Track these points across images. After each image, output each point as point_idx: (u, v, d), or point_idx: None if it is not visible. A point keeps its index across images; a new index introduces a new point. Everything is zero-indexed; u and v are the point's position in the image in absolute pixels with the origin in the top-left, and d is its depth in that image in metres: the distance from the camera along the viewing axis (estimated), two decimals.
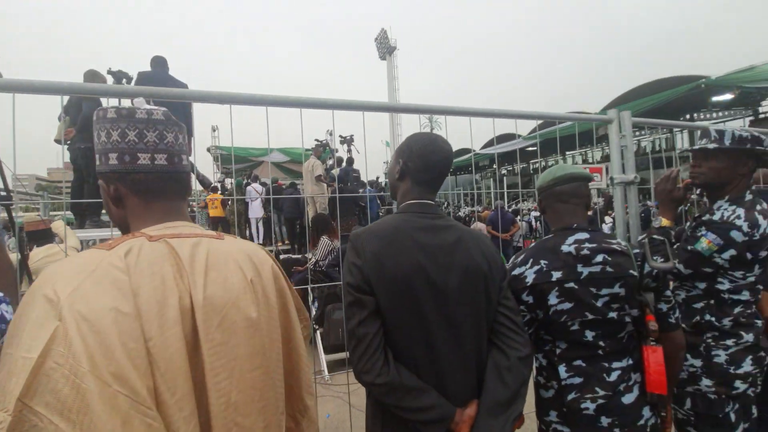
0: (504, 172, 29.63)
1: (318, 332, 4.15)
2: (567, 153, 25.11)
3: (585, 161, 24.99)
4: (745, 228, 1.35)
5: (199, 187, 8.08)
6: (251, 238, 8.62)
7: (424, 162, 1.13)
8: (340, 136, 8.32)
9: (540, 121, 1.97)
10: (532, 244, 1.35)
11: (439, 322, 1.02)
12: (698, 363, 1.45)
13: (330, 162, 8.20)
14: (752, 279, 1.42)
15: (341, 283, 1.08)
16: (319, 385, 3.36)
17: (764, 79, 11.75)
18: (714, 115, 20.66)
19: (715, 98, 17.56)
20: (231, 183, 9.40)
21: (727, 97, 17.05)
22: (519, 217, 9.55)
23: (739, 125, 18.46)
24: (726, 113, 20.25)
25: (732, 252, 1.36)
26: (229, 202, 8.13)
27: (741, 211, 1.39)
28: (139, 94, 1.20)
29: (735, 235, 1.36)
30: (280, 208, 8.28)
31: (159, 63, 4.38)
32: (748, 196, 1.45)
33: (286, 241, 8.46)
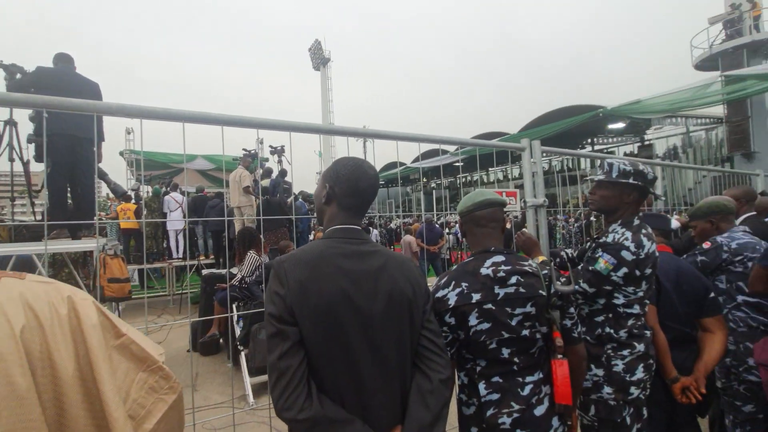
0: (433, 185, 30.88)
1: (243, 353, 3.92)
2: (490, 169, 26.97)
3: (506, 177, 27.04)
4: (633, 248, 1.55)
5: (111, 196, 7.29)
6: (169, 252, 7.94)
7: (352, 187, 1.13)
8: (270, 147, 8.05)
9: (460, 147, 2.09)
10: (455, 267, 1.41)
11: (364, 349, 1.01)
12: (601, 372, 1.62)
13: (259, 172, 7.89)
14: (641, 294, 1.62)
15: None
16: (243, 413, 3.17)
17: (648, 112, 13.74)
18: (610, 140, 23.67)
19: (610, 126, 20.19)
20: (148, 191, 8.60)
21: (620, 125, 19.70)
22: (447, 230, 9.98)
23: (629, 149, 21.20)
24: (619, 139, 23.32)
25: (625, 270, 1.55)
26: (144, 213, 7.42)
27: (629, 234, 1.59)
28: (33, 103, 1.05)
29: (625, 254, 1.55)
30: (205, 219, 7.76)
31: (63, 59, 3.90)
32: (636, 221, 1.66)
33: (211, 255, 7.93)
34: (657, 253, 1.63)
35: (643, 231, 1.62)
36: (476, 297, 1.27)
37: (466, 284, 1.29)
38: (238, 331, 4.13)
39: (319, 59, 42.87)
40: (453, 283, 1.31)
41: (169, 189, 8.10)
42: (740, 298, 1.97)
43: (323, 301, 0.98)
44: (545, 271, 1.35)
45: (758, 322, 1.93)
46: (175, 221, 7.59)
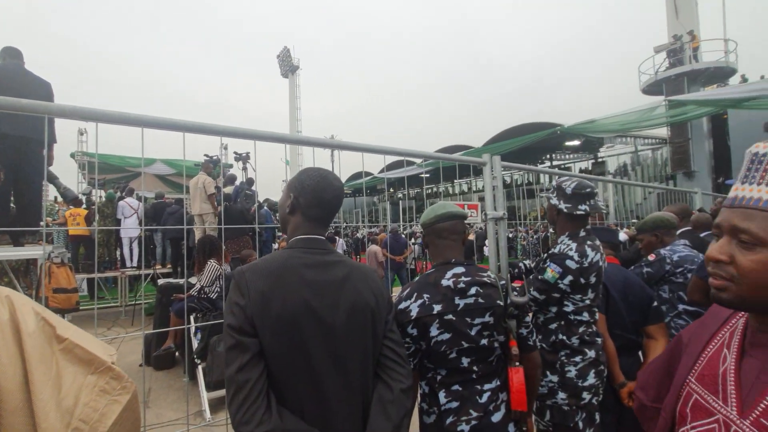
0: (400, 195, 31.20)
1: (200, 367, 3.76)
2: (455, 181, 27.63)
3: (470, 189, 27.78)
4: (576, 257, 1.65)
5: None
6: (123, 260, 7.52)
7: (317, 198, 1.14)
8: (235, 153, 7.86)
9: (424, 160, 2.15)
10: (417, 278, 1.44)
11: (326, 359, 1.00)
12: (555, 379, 1.70)
13: (221, 179, 7.68)
14: (588, 302, 1.72)
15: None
16: (199, 429, 3.03)
17: (601, 131, 14.65)
18: (567, 156, 24.97)
19: (567, 143, 21.32)
20: (101, 196, 8.14)
21: (576, 142, 20.85)
22: (412, 241, 10.09)
23: (584, 165, 22.34)
24: (575, 155, 24.64)
25: (570, 278, 1.65)
26: (96, 218, 7.00)
27: (573, 245, 1.70)
28: None
29: (569, 263, 1.65)
30: (163, 226, 7.41)
31: (12, 54, 3.66)
32: (582, 233, 1.77)
33: (168, 265, 7.57)
34: (603, 263, 1.74)
35: (588, 242, 1.73)
36: (437, 308, 1.30)
37: (428, 295, 1.33)
38: (195, 344, 3.96)
39: (288, 67, 42.51)
40: (415, 294, 1.34)
41: (124, 194, 7.70)
42: (681, 306, 2.14)
43: (286, 312, 0.97)
44: (503, 282, 1.40)
45: None
46: (130, 228, 7.21)
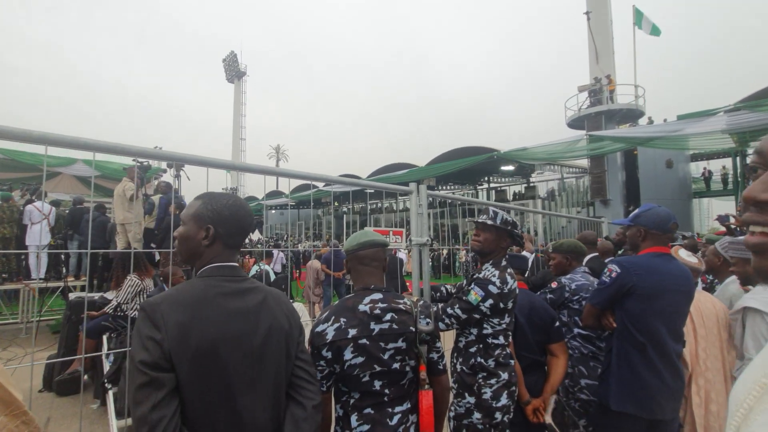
0: (345, 209, 31.16)
1: (110, 392, 3.45)
2: (400, 197, 28.20)
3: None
4: (498, 283, 1.80)
5: None
6: (27, 272, 6.72)
7: (237, 226, 1.16)
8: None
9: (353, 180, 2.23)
10: (335, 303, 1.49)
11: (244, 385, 1.02)
12: (473, 400, 1.82)
13: (153, 185, 7.22)
14: (504, 326, 1.87)
15: None
16: None
17: (532, 158, 15.87)
18: (503, 179, 26.65)
19: (503, 167, 22.77)
20: None
21: (511, 167, 22.34)
22: None
23: (518, 189, 23.88)
24: (510, 179, 26.36)
25: (491, 301, 1.79)
26: None
27: (496, 272, 1.85)
28: None
29: (491, 288, 1.80)
30: (80, 234, 6.75)
31: None
32: (504, 262, 1.94)
33: (83, 277, 6.88)
34: (517, 290, 1.91)
35: (508, 270, 1.90)
36: (352, 332, 1.36)
37: (345, 320, 1.38)
38: (107, 367, 3.64)
39: (234, 72, 41.29)
40: (333, 318, 1.39)
41: (33, 197, 6.93)
42: (576, 330, 2.39)
43: (205, 342, 0.97)
44: (417, 309, 1.49)
45: (588, 349, 2.34)
46: (37, 235, 6.48)
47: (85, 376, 4.26)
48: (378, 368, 1.37)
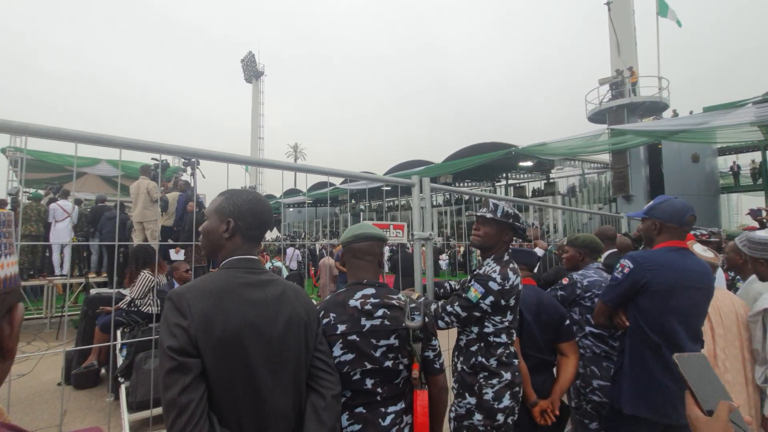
0: (361, 207, 31.23)
1: (123, 386, 3.51)
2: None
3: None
4: (499, 280, 1.72)
5: None
6: (51, 267, 6.96)
7: (257, 220, 1.20)
8: (184, 158, 7.56)
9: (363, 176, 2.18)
10: (327, 297, 1.45)
11: (265, 374, 1.04)
12: (473, 401, 1.74)
13: (169, 185, 7.36)
14: (507, 324, 1.79)
15: (154, 327, 0.98)
16: None
17: (551, 154, 15.50)
18: (522, 176, 26.17)
19: (521, 163, 22.34)
20: (25, 195, 7.50)
21: (529, 163, 21.90)
22: None
23: (537, 185, 23.43)
24: (529, 175, 25.86)
25: (491, 298, 1.71)
26: (20, 222, 6.44)
27: (497, 268, 1.76)
28: None
29: (492, 285, 1.71)
30: (100, 231, 6.94)
31: None
32: (506, 257, 1.85)
33: (104, 273, 7.08)
34: (521, 287, 1.82)
35: (511, 266, 1.81)
36: (341, 328, 1.31)
37: (334, 315, 1.33)
38: (120, 361, 3.71)
39: (252, 72, 41.89)
40: (322, 312, 1.34)
41: (57, 196, 7.16)
42: (587, 328, 2.27)
43: (229, 332, 1.00)
44: (413, 305, 1.43)
45: (600, 349, 2.23)
46: (61, 233, 6.69)
47: (102, 370, 4.37)
48: (369, 366, 1.32)
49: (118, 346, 3.77)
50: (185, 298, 1.01)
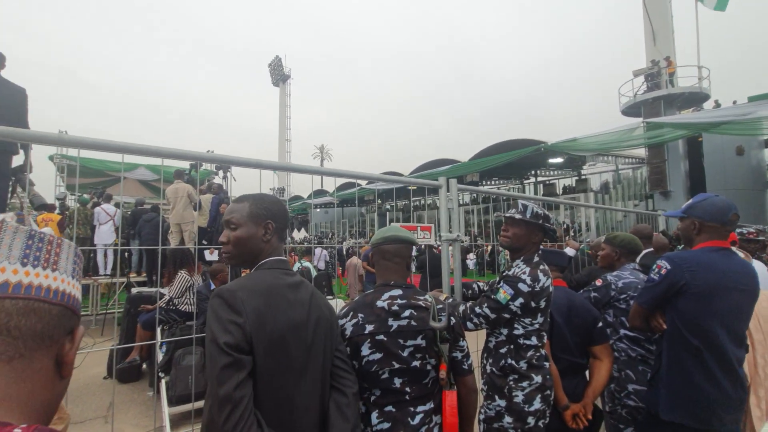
0: (388, 207, 31.28)
1: (163, 381, 3.69)
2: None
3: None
4: (528, 281, 1.70)
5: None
6: (96, 268, 7.38)
7: (287, 219, 1.26)
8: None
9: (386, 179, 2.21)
10: (356, 298, 1.48)
11: (298, 372, 1.09)
12: (503, 403, 1.72)
13: (203, 187, 7.64)
14: (537, 326, 1.76)
15: (193, 324, 1.05)
16: None
17: (582, 149, 15.00)
18: (551, 173, 25.45)
19: (551, 160, 21.73)
20: (74, 200, 8.00)
21: (559, 160, 21.27)
22: None
23: (568, 182, 22.69)
24: (559, 172, 25.12)
25: (521, 300, 1.69)
26: (68, 225, 6.88)
27: (527, 269, 1.74)
28: None
29: (521, 286, 1.69)
30: (138, 233, 7.30)
31: None
32: (536, 258, 1.83)
33: (143, 273, 7.45)
34: (551, 288, 1.79)
35: (541, 267, 1.78)
36: (369, 328, 1.34)
37: (362, 315, 1.36)
38: (160, 357, 3.90)
39: (279, 75, 42.76)
40: (351, 313, 1.38)
41: (100, 200, 7.59)
42: (622, 331, 2.20)
43: (277, 330, 1.04)
44: (440, 306, 1.44)
45: (636, 352, 2.16)
46: (104, 235, 7.09)
47: (143, 365, 4.60)
48: (397, 365, 1.34)
49: (159, 343, 3.96)
50: (238, 296, 1.02)
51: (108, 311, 6.90)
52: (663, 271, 1.73)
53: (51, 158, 11.25)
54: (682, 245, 3.99)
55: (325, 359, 1.18)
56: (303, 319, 1.12)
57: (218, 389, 0.94)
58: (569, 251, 2.87)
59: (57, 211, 7.57)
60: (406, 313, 1.37)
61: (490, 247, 14.91)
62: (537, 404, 1.70)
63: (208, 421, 0.97)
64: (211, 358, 0.97)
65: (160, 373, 3.76)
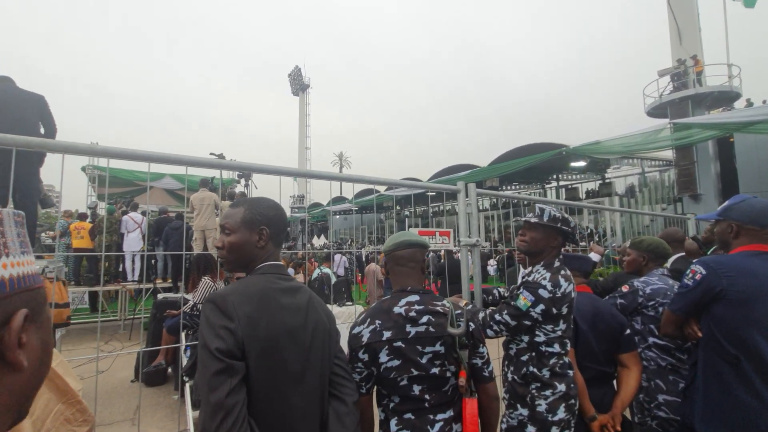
0: (406, 213, 31.22)
1: (188, 385, 3.76)
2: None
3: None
4: (549, 287, 1.65)
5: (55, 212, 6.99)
6: (125, 274, 7.63)
7: (283, 224, 1.25)
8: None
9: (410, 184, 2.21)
10: (373, 305, 1.47)
11: (297, 378, 1.07)
12: (525, 412, 1.67)
13: (227, 193, 7.84)
14: (560, 333, 1.71)
15: None
16: None
17: (606, 152, 14.62)
18: (573, 177, 24.87)
19: (573, 164, 21.25)
20: (103, 209, 8.31)
21: (582, 163, 20.78)
22: None
23: (591, 186, 22.11)
24: (582, 176, 24.52)
25: (542, 306, 1.64)
26: (97, 234, 7.14)
27: (548, 275, 1.70)
28: None
29: (542, 292, 1.65)
30: (165, 241, 7.52)
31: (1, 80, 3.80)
32: (557, 263, 1.78)
33: (168, 279, 7.66)
34: (574, 294, 1.74)
35: (562, 272, 1.73)
36: (387, 334, 1.33)
37: (380, 322, 1.35)
38: (185, 361, 3.98)
39: (299, 85, 43.54)
40: (368, 320, 1.37)
41: (128, 209, 7.86)
42: (651, 339, 2.11)
43: (270, 335, 1.03)
44: (458, 311, 1.42)
45: (666, 361, 2.06)
46: (132, 242, 7.33)
47: (169, 369, 4.70)
48: (415, 372, 1.32)
49: (183, 347, 4.05)
50: (230, 301, 1.01)
51: (135, 316, 7.11)
52: (698, 277, 1.65)
53: (83, 169, 11.76)
54: (711, 249, 3.82)
55: (324, 366, 1.16)
56: (299, 324, 1.10)
57: (210, 396, 0.92)
58: (594, 256, 2.78)
59: (89, 219, 7.89)
60: (424, 319, 1.35)
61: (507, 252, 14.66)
62: (561, 413, 1.65)
63: (202, 429, 0.94)
64: (202, 364, 0.96)
65: (184, 377, 3.83)
